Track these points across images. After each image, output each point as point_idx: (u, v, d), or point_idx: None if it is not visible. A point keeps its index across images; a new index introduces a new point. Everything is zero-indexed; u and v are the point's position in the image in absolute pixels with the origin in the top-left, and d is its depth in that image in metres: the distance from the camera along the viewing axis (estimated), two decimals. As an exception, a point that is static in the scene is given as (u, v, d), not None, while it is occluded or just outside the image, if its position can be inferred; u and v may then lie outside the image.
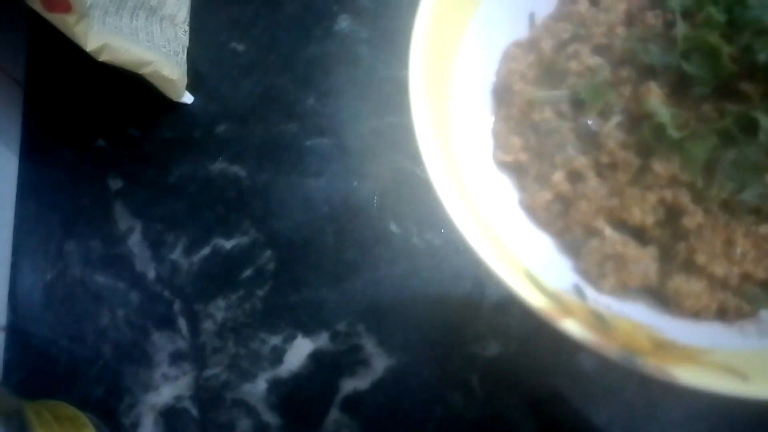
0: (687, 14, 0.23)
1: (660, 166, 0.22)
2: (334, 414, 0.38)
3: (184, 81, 0.45)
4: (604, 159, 0.23)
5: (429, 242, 0.40)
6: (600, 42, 0.24)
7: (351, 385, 0.38)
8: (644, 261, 0.22)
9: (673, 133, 0.22)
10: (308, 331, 0.39)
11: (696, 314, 0.22)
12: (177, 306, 0.41)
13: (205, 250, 0.42)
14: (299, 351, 0.39)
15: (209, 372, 0.40)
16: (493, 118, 0.26)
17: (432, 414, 0.37)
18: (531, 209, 0.24)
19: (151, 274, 0.42)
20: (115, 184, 0.45)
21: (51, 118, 0.48)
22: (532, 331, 0.37)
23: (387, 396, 0.37)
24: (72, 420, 0.36)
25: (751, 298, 0.22)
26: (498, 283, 0.20)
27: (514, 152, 0.25)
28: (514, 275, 0.20)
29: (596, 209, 0.23)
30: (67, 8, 0.35)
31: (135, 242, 0.43)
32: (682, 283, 0.22)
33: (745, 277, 0.22)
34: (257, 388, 0.39)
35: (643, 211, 0.22)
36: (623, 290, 0.23)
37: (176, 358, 0.40)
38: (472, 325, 0.37)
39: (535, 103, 0.25)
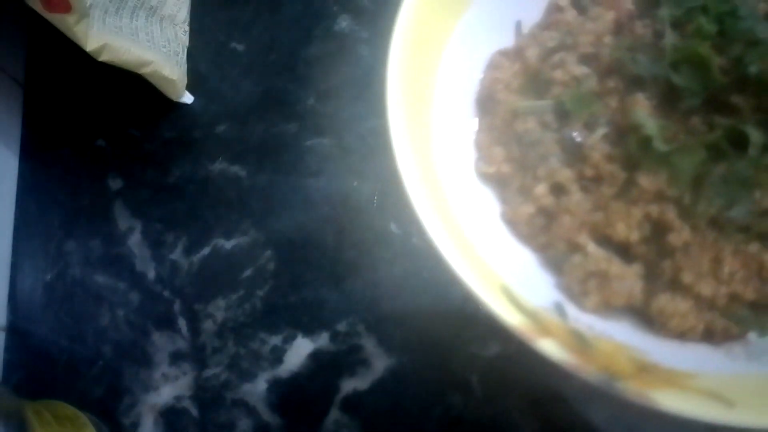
0: (677, 24, 0.22)
1: (646, 181, 0.21)
2: (334, 414, 0.38)
3: (184, 81, 0.45)
4: (589, 172, 0.22)
5: (429, 242, 0.40)
6: (587, 51, 0.24)
7: (351, 385, 0.38)
8: (628, 279, 0.22)
9: (661, 146, 0.21)
10: (308, 331, 0.39)
11: (682, 335, 0.21)
12: (177, 306, 0.41)
13: (205, 250, 0.42)
14: (299, 351, 0.39)
15: (209, 372, 0.40)
16: (476, 128, 0.25)
17: (432, 414, 0.37)
18: (513, 222, 0.24)
19: (151, 274, 0.42)
20: (115, 184, 0.45)
21: (51, 118, 0.48)
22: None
23: (387, 396, 0.37)
24: (72, 420, 0.36)
25: (739, 320, 0.21)
26: (472, 299, 0.19)
27: (496, 163, 0.24)
28: (489, 291, 0.19)
29: (579, 224, 0.22)
30: (67, 8, 0.35)
31: (135, 242, 0.43)
32: (667, 303, 0.21)
33: (733, 297, 0.21)
34: (257, 388, 0.39)
35: (628, 227, 0.22)
36: (606, 309, 0.22)
37: (176, 358, 0.40)
38: (472, 325, 0.37)
39: (519, 113, 0.24)
